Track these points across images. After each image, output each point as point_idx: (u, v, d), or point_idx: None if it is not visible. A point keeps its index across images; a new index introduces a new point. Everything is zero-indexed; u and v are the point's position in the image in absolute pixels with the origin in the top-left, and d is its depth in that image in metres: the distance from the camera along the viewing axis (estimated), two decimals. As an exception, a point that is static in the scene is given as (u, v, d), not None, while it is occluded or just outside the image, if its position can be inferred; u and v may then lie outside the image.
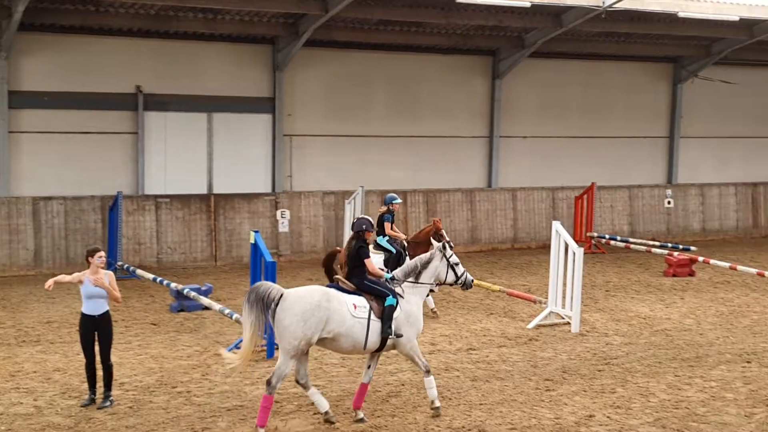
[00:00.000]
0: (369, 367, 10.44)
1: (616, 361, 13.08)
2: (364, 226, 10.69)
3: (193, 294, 15.36)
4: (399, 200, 16.28)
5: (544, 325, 15.08)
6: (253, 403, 10.81)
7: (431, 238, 14.67)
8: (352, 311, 10.00)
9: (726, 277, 20.10)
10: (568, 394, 11.42)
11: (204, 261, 21.30)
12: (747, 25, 23.59)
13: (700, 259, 20.33)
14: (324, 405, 10.15)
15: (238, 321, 13.83)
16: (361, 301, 10.13)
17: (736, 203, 27.39)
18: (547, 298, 15.55)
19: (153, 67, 21.12)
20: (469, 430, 10.07)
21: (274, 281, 12.17)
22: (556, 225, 15.32)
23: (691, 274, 20.29)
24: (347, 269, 10.59)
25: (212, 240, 21.40)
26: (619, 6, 20.60)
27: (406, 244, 15.79)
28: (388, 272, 11.06)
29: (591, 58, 25.05)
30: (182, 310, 16.05)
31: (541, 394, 11.40)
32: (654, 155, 26.53)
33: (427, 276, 10.76)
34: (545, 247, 21.57)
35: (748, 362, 13.13)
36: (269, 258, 12.65)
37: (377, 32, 22.01)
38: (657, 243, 22.83)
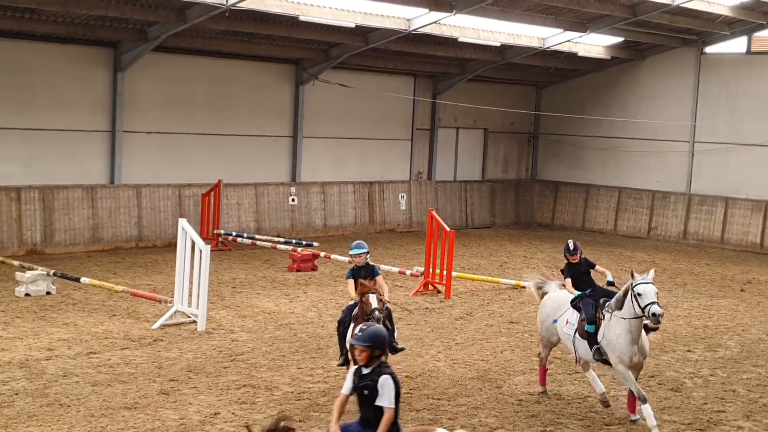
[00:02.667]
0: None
1: (242, 357, 13.18)
2: (564, 251, 12.25)
3: None
4: (360, 249, 11.84)
5: (169, 325, 14.82)
6: None
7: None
8: (563, 326, 11.53)
9: (345, 271, 21.01)
10: (194, 393, 11.30)
11: None
12: (363, 32, 24.95)
13: (322, 254, 21.18)
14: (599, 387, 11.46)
15: None
16: (573, 318, 11.42)
17: (354, 201, 28.89)
18: (173, 297, 15.29)
19: None
20: (90, 438, 9.59)
21: None
22: (183, 222, 15.12)
23: (314, 268, 21.06)
24: None
25: None
26: (243, 5, 20.80)
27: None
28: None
29: (217, 56, 25.03)
30: None
31: (166, 395, 11.16)
32: (279, 154, 27.16)
33: (626, 308, 10.84)
34: (171, 245, 21.25)
35: (365, 351, 13.84)
36: None
37: (-15, 16, 20.30)
38: (282, 239, 23.41)
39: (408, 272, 19.73)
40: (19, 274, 17.12)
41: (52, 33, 21.65)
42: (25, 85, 21.82)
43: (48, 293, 16.99)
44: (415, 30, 24.29)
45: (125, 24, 22.05)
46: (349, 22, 23.14)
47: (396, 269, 20.01)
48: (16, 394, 10.95)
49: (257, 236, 23.62)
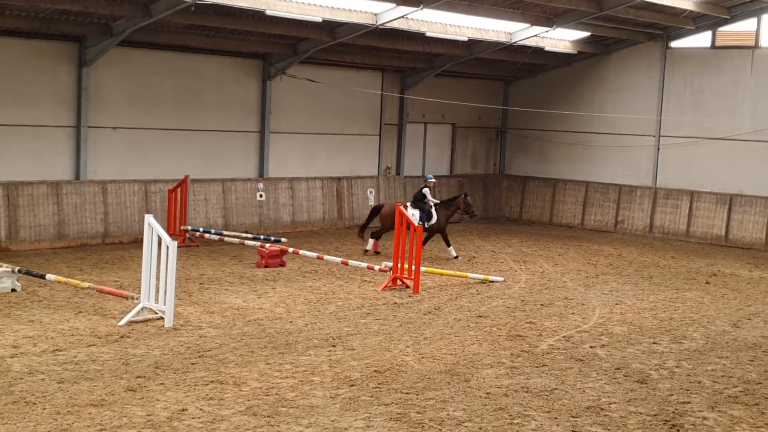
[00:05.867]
0: None
1: (209, 353, 13.12)
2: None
3: None
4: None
5: (136, 321, 14.71)
6: None
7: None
8: None
9: (314, 267, 21.08)
10: (161, 389, 11.23)
11: None
12: (330, 27, 24.89)
13: (291, 249, 21.12)
14: None
15: None
16: None
17: (323, 196, 28.84)
18: (139, 293, 15.19)
19: None
20: (55, 436, 9.50)
21: None
22: (149, 218, 15.00)
23: (282, 264, 21.01)
24: None
25: None
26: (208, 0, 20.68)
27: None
28: None
29: (183, 51, 24.86)
30: None
31: (133, 392, 11.08)
32: (246, 149, 27.04)
33: None
34: (138, 242, 21.10)
35: (333, 346, 13.85)
36: None
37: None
38: (250, 235, 23.32)
39: (376, 267, 19.73)
40: (-18, 272, 16.91)
41: (16, 27, 21.39)
42: (-12, 80, 21.59)
43: (13, 290, 16.79)
44: (382, 24, 24.27)
45: (90, 18, 21.84)
46: (316, 17, 23.07)
47: (364, 265, 20.00)
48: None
49: (225, 232, 23.51)
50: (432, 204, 23.29)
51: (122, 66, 23.75)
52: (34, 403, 10.51)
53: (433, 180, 24.18)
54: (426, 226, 22.90)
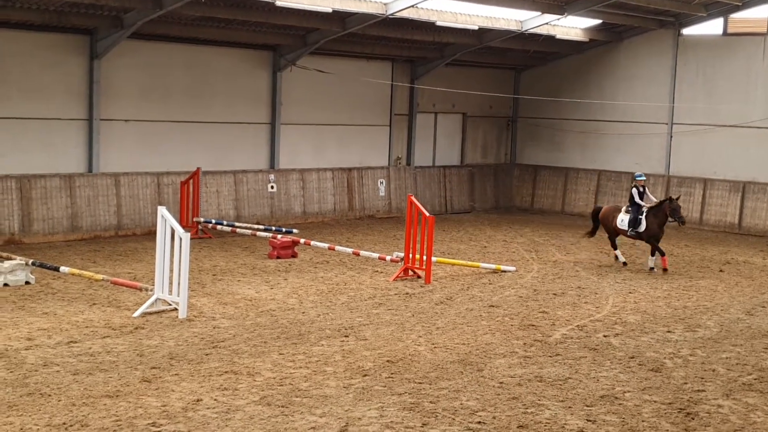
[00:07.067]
0: None
1: (223, 344, 13.16)
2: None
3: None
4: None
5: (150, 313, 14.77)
6: None
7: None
8: None
9: (325, 257, 21.10)
10: (176, 380, 11.28)
11: None
12: (340, 17, 24.85)
13: (302, 240, 21.15)
14: None
15: None
16: None
17: (333, 187, 28.84)
18: (153, 285, 15.24)
19: None
20: (71, 426, 9.56)
21: None
22: (162, 210, 15.04)
23: (294, 255, 21.03)
24: None
25: None
26: (220, -9, 20.69)
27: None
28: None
29: (193, 43, 24.87)
30: None
31: (148, 382, 11.13)
32: (257, 141, 27.06)
33: None
34: (151, 233, 21.17)
35: (346, 336, 13.87)
36: None
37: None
38: (261, 226, 23.35)
39: (388, 258, 19.73)
40: (-3, 265, 16.99)
41: (27, 20, 21.43)
42: (0, 74, 21.62)
43: (27, 283, 16.87)
44: (392, 14, 24.22)
45: (101, 11, 21.86)
46: (326, 7, 23.04)
47: (376, 255, 20.02)
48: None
49: (237, 224, 23.55)
50: (643, 209, 20.85)
51: (133, 58, 23.77)
52: (50, 395, 10.56)
53: (643, 178, 21.58)
54: (629, 233, 20.91)
